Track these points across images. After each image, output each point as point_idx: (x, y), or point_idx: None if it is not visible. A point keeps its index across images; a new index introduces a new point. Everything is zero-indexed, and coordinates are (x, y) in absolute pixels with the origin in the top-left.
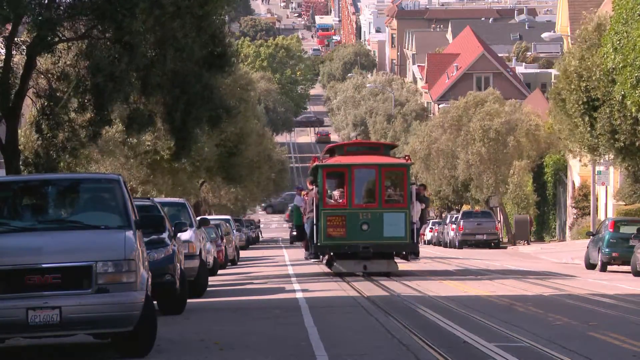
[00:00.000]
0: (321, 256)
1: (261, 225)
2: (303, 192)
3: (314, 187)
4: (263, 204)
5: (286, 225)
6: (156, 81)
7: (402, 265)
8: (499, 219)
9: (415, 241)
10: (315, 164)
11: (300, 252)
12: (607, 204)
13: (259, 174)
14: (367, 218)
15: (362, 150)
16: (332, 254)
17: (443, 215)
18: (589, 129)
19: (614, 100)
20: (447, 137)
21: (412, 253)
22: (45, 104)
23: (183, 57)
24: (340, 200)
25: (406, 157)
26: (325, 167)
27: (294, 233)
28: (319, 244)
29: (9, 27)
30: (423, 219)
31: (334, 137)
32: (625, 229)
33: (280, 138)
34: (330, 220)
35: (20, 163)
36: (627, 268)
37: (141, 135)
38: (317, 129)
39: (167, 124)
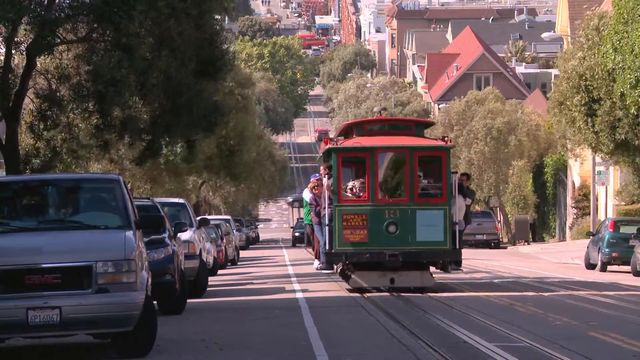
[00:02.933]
0: (335, 266)
1: (260, 225)
2: (312, 183)
3: (326, 176)
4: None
5: (286, 225)
6: (152, 82)
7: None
8: (499, 219)
9: (457, 247)
10: (328, 146)
11: (301, 253)
12: (607, 204)
13: (262, 170)
14: (395, 217)
15: (388, 129)
16: (349, 263)
17: None
18: (588, 125)
19: (614, 97)
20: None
21: (453, 262)
22: (45, 104)
23: (177, 57)
24: (361, 194)
25: (445, 139)
26: (341, 151)
27: (297, 234)
28: (332, 250)
29: (9, 27)
30: (467, 218)
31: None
32: (625, 229)
33: (280, 138)
34: (348, 219)
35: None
36: (627, 268)
37: (133, 141)
38: (317, 126)
39: (144, 132)
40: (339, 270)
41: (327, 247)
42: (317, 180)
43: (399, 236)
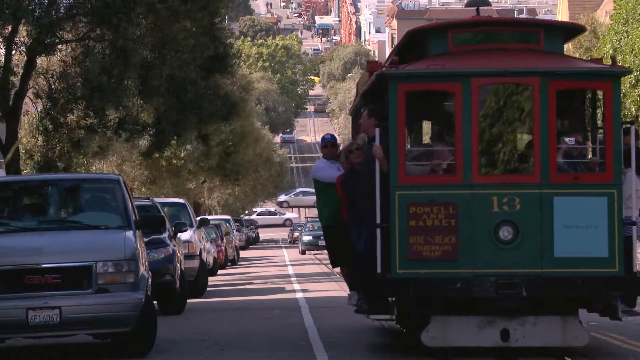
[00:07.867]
0: (394, 305)
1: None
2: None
3: (376, 132)
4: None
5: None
6: (154, 84)
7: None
8: None
9: (633, 269)
10: (379, 71)
11: (300, 253)
12: None
13: (256, 176)
14: (513, 210)
15: (495, 40)
16: (420, 300)
17: None
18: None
19: None
20: None
21: (625, 300)
22: (47, 104)
23: (182, 58)
24: (443, 167)
25: (612, 60)
26: (406, 80)
27: (305, 238)
28: (388, 275)
29: (9, 28)
30: None
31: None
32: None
33: (280, 138)
34: (419, 215)
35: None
36: None
37: (131, 142)
38: (317, 126)
39: (155, 128)
40: (396, 313)
41: (377, 270)
42: (328, 148)
43: (519, 248)
